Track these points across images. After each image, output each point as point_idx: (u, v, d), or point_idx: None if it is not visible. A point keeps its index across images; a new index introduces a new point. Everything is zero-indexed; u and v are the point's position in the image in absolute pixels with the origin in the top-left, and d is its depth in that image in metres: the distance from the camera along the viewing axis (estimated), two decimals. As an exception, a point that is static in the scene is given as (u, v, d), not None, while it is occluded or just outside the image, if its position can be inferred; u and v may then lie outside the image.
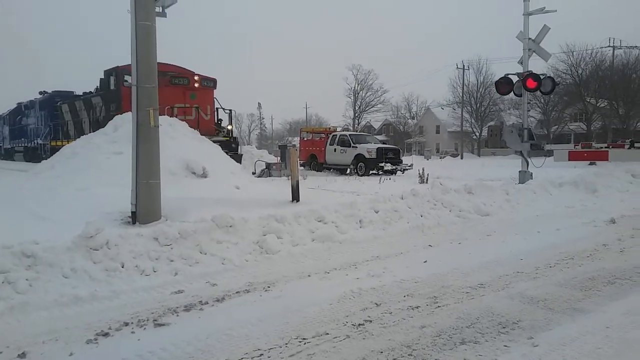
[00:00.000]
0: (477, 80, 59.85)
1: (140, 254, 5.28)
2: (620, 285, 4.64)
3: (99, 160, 9.83)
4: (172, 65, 18.66)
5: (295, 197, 9.27)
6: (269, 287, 4.74)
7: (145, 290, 4.66)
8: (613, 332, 3.53)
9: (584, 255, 5.74)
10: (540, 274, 5.02)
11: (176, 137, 11.99)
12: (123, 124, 11.17)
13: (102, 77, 19.80)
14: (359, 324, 3.74)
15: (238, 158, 16.91)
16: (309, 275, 5.11)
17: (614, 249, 6.02)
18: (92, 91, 22.44)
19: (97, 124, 18.97)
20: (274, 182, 13.62)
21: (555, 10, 13.32)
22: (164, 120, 12.84)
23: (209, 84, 18.28)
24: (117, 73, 18.55)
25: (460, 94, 58.71)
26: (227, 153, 15.01)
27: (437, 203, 8.51)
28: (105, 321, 3.90)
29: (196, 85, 17.58)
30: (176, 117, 14.69)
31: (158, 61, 8.24)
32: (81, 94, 24.44)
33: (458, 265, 5.38)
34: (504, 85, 13.31)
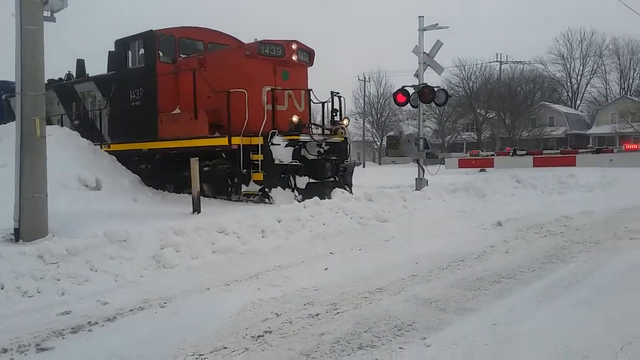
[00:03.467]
0: (377, 92, 62.06)
1: (23, 274, 4.89)
2: (505, 284, 4.95)
3: (-23, 174, 9.00)
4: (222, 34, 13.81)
5: (196, 208, 9.03)
6: (165, 303, 4.56)
7: (28, 313, 4.31)
8: (499, 329, 3.75)
9: (473, 257, 6.08)
10: (433, 277, 5.25)
11: (69, 147, 11.30)
12: (7, 134, 10.31)
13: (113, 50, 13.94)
14: (259, 336, 3.69)
15: (350, 171, 12.21)
16: (208, 289, 4.98)
17: (500, 250, 6.44)
18: (66, 77, 16.66)
19: (97, 120, 14.50)
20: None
21: (447, 27, 14.15)
22: (57, 130, 12.01)
23: (305, 57, 12.24)
24: (147, 41, 12.65)
25: (362, 105, 60.57)
26: (335, 163, 11.46)
27: (339, 211, 8.67)
28: (-21, 350, 3.55)
29: (294, 58, 11.78)
30: (265, 106, 10.97)
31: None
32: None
33: (358, 271, 5.49)
34: (401, 96, 13.89)
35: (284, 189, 10.81)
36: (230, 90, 10.68)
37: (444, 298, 4.50)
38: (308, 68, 12.49)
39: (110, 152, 13.24)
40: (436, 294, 4.64)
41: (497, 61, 56.55)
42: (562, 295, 4.51)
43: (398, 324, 3.87)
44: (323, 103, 12.43)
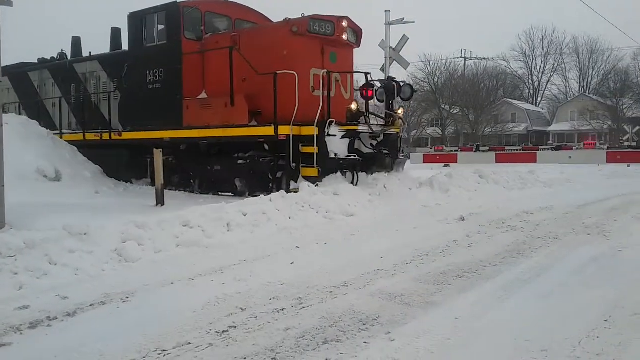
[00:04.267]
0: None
1: (-22, 268, 4.72)
2: (468, 278, 5.04)
3: None
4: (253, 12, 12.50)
5: (160, 201, 8.89)
6: (127, 297, 4.47)
7: (-17, 308, 4.17)
8: (461, 322, 3.82)
9: (437, 251, 6.17)
10: (398, 271, 5.30)
11: (27, 136, 10.96)
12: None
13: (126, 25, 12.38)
14: (223, 331, 3.66)
15: (403, 167, 11.25)
16: (172, 283, 4.91)
17: (463, 245, 6.55)
18: (57, 57, 15.54)
19: (92, 105, 13.45)
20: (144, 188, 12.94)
21: (414, 22, 14.28)
22: (14, 119, 11.55)
23: (353, 38, 11.06)
24: (170, 14, 11.25)
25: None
26: (388, 157, 10.49)
27: (305, 205, 8.65)
28: None
29: (344, 37, 10.58)
30: (313, 92, 10.09)
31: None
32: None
33: (323, 265, 5.50)
34: (370, 91, 13.93)
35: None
36: (278, 72, 9.57)
37: (408, 292, 4.55)
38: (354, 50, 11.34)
39: (121, 142, 12.51)
40: (401, 288, 4.68)
41: (461, 57, 57.47)
42: (522, 289, 4.62)
43: (363, 319, 3.89)
44: (394, 85, 11.17)
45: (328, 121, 9.61)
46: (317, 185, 9.47)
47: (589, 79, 63.83)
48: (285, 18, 10.40)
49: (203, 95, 11.13)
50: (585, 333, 3.51)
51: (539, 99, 68.12)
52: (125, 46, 13.43)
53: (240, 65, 10.15)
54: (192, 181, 11.78)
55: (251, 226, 7.39)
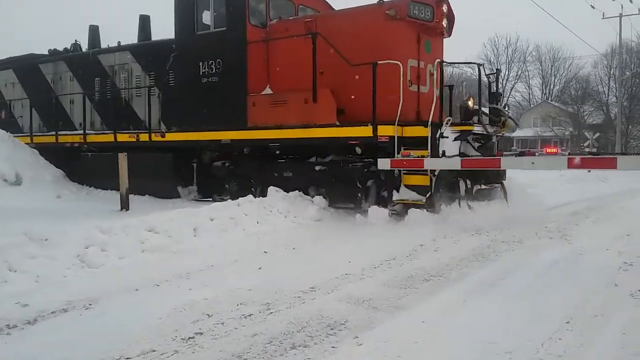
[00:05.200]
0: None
1: None
2: (434, 282, 5.10)
3: None
4: None
5: (125, 206, 8.73)
6: (90, 304, 4.36)
7: (-62, 317, 4.00)
8: (428, 326, 3.85)
9: (404, 255, 6.21)
10: (366, 275, 5.33)
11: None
12: None
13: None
14: (189, 337, 3.60)
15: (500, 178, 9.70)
16: (136, 289, 4.82)
17: (430, 249, 6.62)
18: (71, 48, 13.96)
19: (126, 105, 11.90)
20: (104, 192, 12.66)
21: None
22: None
23: (446, 25, 9.74)
24: None
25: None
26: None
27: (273, 209, 8.62)
28: None
29: (443, 23, 9.40)
30: (410, 86, 8.91)
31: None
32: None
33: (291, 270, 5.48)
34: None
35: (451, 198, 8.39)
36: (379, 62, 8.27)
37: (376, 297, 4.57)
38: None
39: (164, 144, 11.05)
40: (369, 292, 4.70)
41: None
42: (487, 292, 4.69)
43: (331, 323, 3.89)
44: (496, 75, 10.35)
45: (447, 119, 8.46)
46: (428, 197, 8.19)
47: (551, 86, 65.54)
48: (379, 0, 8.99)
49: (267, 90, 9.87)
50: (547, 335, 3.58)
51: (504, 105, 69.67)
52: (155, 36, 12.46)
53: (318, 55, 8.89)
54: (253, 189, 10.04)
55: (219, 231, 7.32)
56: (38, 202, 8.99)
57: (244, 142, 10.03)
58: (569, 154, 8.71)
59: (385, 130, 8.35)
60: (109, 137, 11.97)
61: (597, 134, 35.67)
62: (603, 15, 32.63)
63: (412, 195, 8.32)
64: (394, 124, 8.36)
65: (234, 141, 10.01)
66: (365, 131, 8.44)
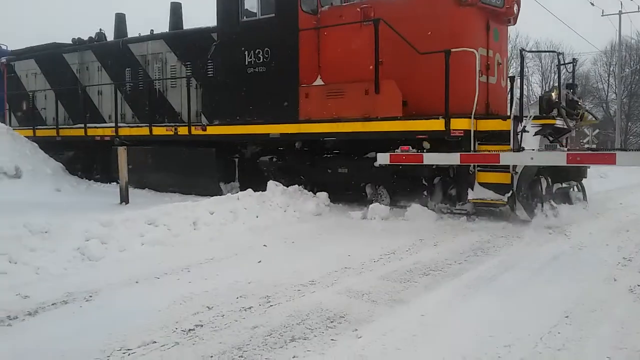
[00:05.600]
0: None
1: None
2: (433, 276, 5.11)
3: None
4: None
5: (124, 199, 8.74)
6: (91, 296, 4.38)
7: (-60, 308, 4.02)
8: (427, 319, 3.87)
9: (403, 250, 6.23)
10: (365, 269, 5.34)
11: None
12: None
13: None
14: (190, 330, 3.62)
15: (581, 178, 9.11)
16: (137, 282, 4.83)
17: (429, 243, 6.63)
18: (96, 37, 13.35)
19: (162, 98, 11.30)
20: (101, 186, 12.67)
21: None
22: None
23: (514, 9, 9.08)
24: None
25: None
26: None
27: (273, 204, 8.62)
28: None
29: (515, 9, 8.95)
30: (480, 78, 8.16)
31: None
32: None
33: (291, 263, 5.50)
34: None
35: (529, 198, 7.78)
36: (453, 50, 7.72)
37: (375, 290, 4.59)
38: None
39: (204, 138, 10.50)
40: (368, 286, 4.71)
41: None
42: (486, 287, 4.70)
43: (330, 316, 3.90)
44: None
45: (530, 113, 7.85)
46: (509, 196, 7.56)
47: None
48: None
49: (319, 81, 9.29)
50: (547, 329, 3.60)
51: (503, 102, 69.58)
52: (187, 24, 12.00)
53: (373, 43, 8.35)
54: (303, 187, 9.57)
55: (219, 225, 7.33)
56: (38, 195, 8.99)
57: (295, 136, 9.45)
58: (569, 149, 8.53)
59: (459, 124, 7.79)
60: (143, 131, 11.47)
61: (597, 131, 35.67)
62: (602, 13, 32.58)
63: (489, 195, 7.73)
64: (469, 117, 7.76)
65: (284, 135, 9.44)
66: (437, 124, 7.87)
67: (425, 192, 8.49)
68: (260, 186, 9.13)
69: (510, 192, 7.55)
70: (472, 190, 7.80)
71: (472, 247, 6.37)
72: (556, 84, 8.81)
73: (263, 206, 8.41)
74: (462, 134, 7.79)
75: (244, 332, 3.57)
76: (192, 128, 10.52)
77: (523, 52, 8.59)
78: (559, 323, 3.72)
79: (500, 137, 7.76)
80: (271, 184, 9.34)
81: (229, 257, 5.81)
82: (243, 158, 10.74)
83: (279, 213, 8.40)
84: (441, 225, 7.85)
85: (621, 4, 32.51)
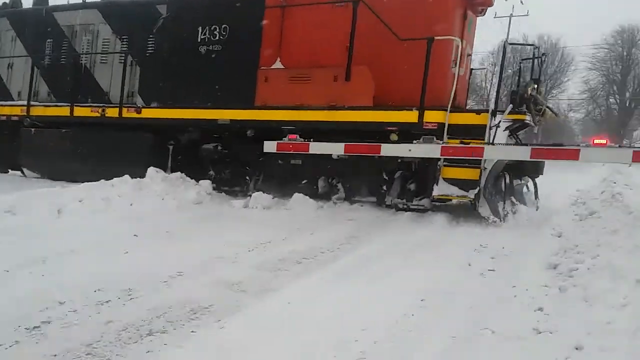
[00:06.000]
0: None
1: None
2: (306, 264, 5.16)
3: None
4: None
5: None
6: None
7: None
8: (293, 307, 3.88)
9: (280, 238, 6.23)
10: (239, 259, 5.26)
11: None
12: None
13: None
14: (35, 327, 3.33)
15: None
16: (-19, 276, 4.38)
17: (306, 232, 6.66)
18: None
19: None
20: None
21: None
22: None
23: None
24: None
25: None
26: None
27: (151, 191, 8.27)
28: None
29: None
30: (454, 70, 7.71)
31: None
32: None
33: (161, 254, 5.29)
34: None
35: (494, 197, 7.49)
36: (436, 38, 7.27)
37: (247, 280, 4.53)
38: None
39: (137, 121, 9.39)
40: (240, 276, 4.64)
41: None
42: (356, 273, 4.81)
43: (194, 308, 3.79)
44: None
45: (509, 107, 7.51)
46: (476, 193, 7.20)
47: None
48: None
49: (278, 64, 8.62)
50: (403, 312, 3.75)
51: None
52: None
53: (346, 27, 7.73)
54: (247, 178, 9.14)
55: (88, 213, 6.92)
56: None
57: (248, 123, 8.67)
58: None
59: (433, 117, 7.45)
60: (62, 111, 10.15)
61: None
62: (495, 15, 34.73)
63: (454, 191, 7.36)
64: (444, 109, 7.44)
65: (235, 122, 8.66)
66: (409, 116, 7.50)
67: (384, 187, 8.21)
68: (198, 178, 8.64)
69: (477, 188, 7.24)
70: (437, 185, 7.43)
71: (348, 235, 6.52)
72: (528, 79, 8.63)
73: (140, 194, 8.05)
74: (435, 127, 7.46)
75: (96, 328, 3.35)
76: (124, 110, 9.50)
77: (506, 45, 8.59)
78: (413, 305, 3.90)
79: (473, 132, 7.41)
80: (151, 170, 8.90)
81: (93, 248, 5.43)
82: (179, 145, 9.85)
83: (157, 201, 8.07)
84: (321, 215, 7.96)
85: (513, 7, 35.22)
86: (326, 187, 8.75)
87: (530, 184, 8.90)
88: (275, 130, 8.35)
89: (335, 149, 7.99)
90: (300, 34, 8.53)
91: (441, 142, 7.36)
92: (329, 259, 5.39)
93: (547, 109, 8.60)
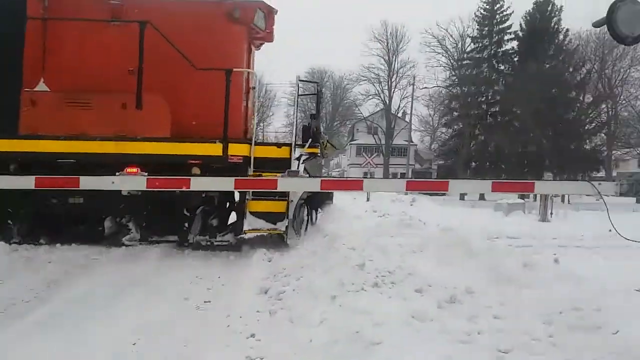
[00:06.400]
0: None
1: None
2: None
3: None
4: None
5: None
6: None
7: None
8: None
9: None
10: None
11: None
12: None
13: None
14: None
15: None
16: None
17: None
18: None
19: None
20: None
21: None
22: None
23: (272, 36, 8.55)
24: None
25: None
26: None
27: None
28: None
29: (273, 36, 8.52)
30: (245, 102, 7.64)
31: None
32: None
33: None
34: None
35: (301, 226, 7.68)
36: (234, 70, 7.06)
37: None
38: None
39: None
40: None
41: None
42: (54, 323, 4.25)
43: None
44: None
45: (309, 141, 7.60)
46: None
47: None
48: None
49: (42, 86, 7.12)
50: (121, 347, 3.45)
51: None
52: None
53: (127, 49, 6.96)
54: (9, 222, 7.22)
55: None
56: None
57: (9, 156, 7.01)
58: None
59: (238, 149, 7.19)
60: None
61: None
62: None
63: (261, 224, 7.20)
64: (248, 143, 7.37)
65: None
66: (214, 149, 7.06)
67: (186, 224, 7.48)
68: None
69: (286, 220, 7.26)
70: (246, 219, 7.22)
71: (46, 280, 5.70)
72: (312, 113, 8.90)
73: None
74: (240, 160, 7.23)
75: None
76: None
77: (298, 80, 8.72)
78: (126, 349, 3.66)
79: (275, 165, 7.30)
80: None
81: None
82: None
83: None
84: (15, 259, 6.81)
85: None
86: (113, 227, 7.67)
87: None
88: (48, 164, 7.00)
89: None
90: (70, 54, 7.43)
91: (146, 174, 6.89)
92: (22, 311, 4.63)
93: (327, 142, 9.16)
